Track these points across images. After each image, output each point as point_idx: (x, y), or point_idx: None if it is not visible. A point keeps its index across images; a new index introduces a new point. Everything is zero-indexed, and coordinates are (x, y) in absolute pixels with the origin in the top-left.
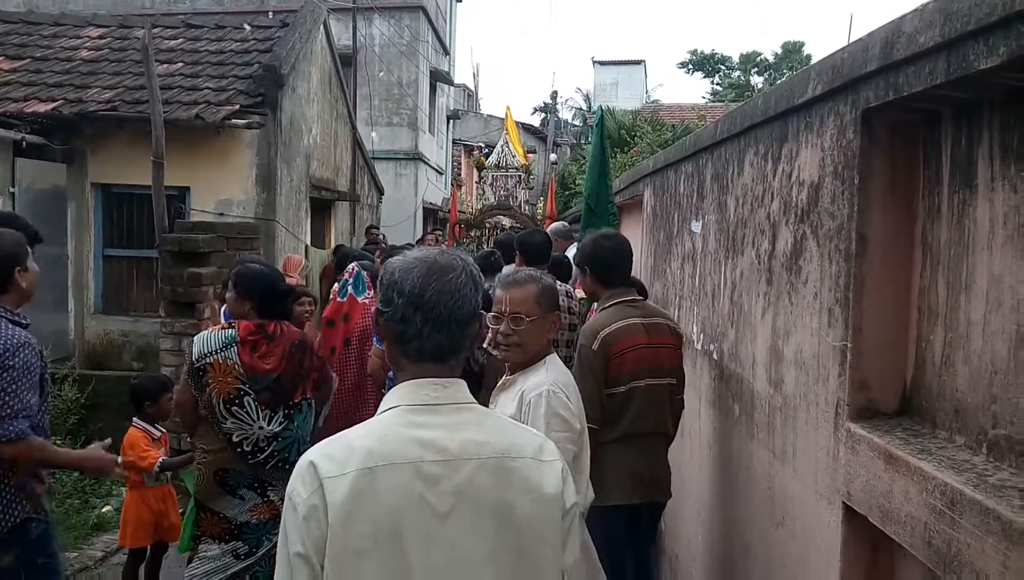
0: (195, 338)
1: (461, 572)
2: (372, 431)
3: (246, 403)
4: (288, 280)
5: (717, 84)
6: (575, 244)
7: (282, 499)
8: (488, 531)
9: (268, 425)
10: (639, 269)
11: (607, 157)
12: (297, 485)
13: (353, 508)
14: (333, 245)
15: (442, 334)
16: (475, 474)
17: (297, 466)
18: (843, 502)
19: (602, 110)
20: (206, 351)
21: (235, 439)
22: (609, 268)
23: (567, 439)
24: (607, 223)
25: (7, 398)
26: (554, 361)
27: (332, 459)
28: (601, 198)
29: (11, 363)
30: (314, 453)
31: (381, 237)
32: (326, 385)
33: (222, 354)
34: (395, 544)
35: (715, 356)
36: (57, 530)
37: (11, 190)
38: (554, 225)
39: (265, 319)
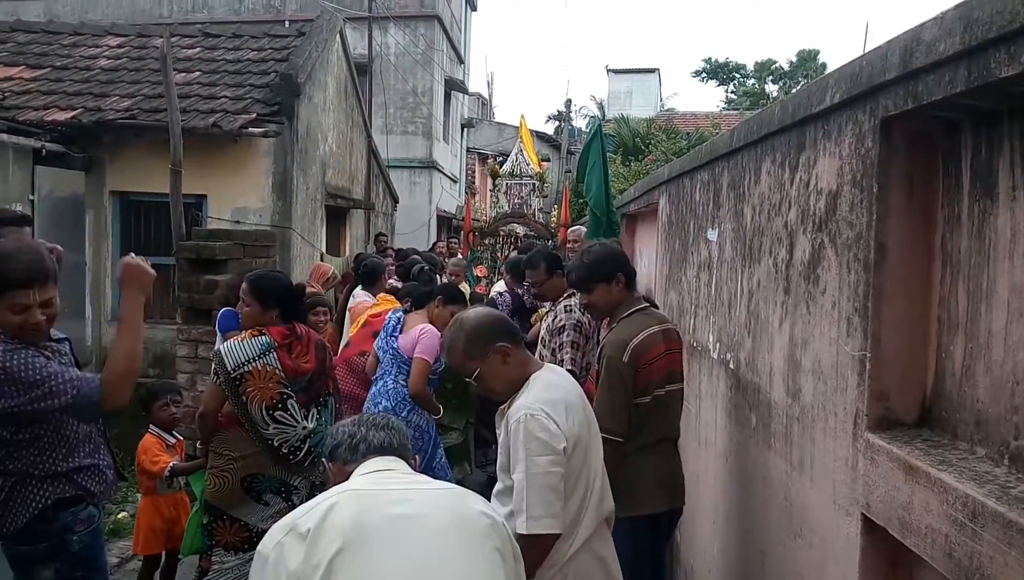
0: (223, 349)
1: (431, 565)
2: (338, 485)
3: (289, 406)
4: (309, 289)
5: (732, 92)
6: None
7: (303, 502)
8: (450, 532)
9: (309, 423)
10: (655, 277)
11: (606, 166)
12: (265, 540)
13: (321, 526)
14: (348, 253)
15: (383, 433)
16: (434, 495)
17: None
18: (862, 513)
19: (598, 122)
20: (243, 360)
21: (276, 444)
22: (633, 275)
23: (549, 462)
24: (613, 232)
25: (36, 375)
26: (539, 379)
27: (303, 508)
28: (605, 206)
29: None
30: (284, 518)
31: (388, 244)
32: (338, 391)
33: (261, 361)
34: (365, 545)
35: (731, 365)
36: None
37: (31, 198)
38: (581, 229)
39: (289, 322)
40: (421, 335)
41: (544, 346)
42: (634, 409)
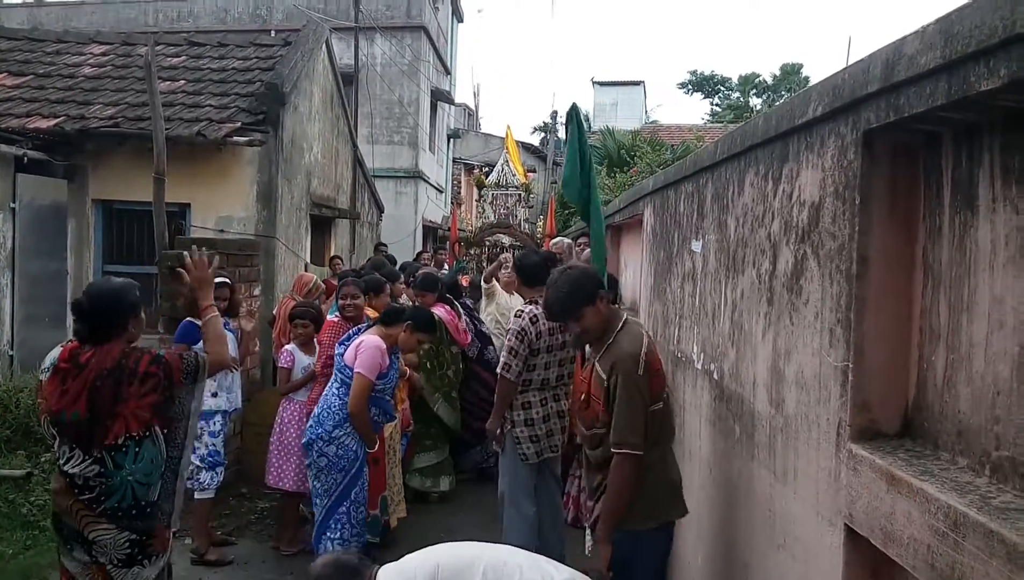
0: None
1: None
2: None
3: (52, 432)
4: (289, 301)
5: (716, 105)
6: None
7: (110, 562)
8: None
9: (76, 466)
10: (640, 288)
11: (587, 158)
12: None
13: None
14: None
15: None
16: None
17: None
18: (845, 523)
19: (574, 106)
20: (42, 367)
21: (67, 469)
22: (613, 285)
23: None
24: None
25: None
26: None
27: None
28: (590, 210)
29: None
30: None
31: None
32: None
33: (45, 374)
34: None
35: (715, 376)
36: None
37: (12, 206)
38: (564, 240)
39: (93, 341)
40: (360, 349)
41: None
42: (651, 418)
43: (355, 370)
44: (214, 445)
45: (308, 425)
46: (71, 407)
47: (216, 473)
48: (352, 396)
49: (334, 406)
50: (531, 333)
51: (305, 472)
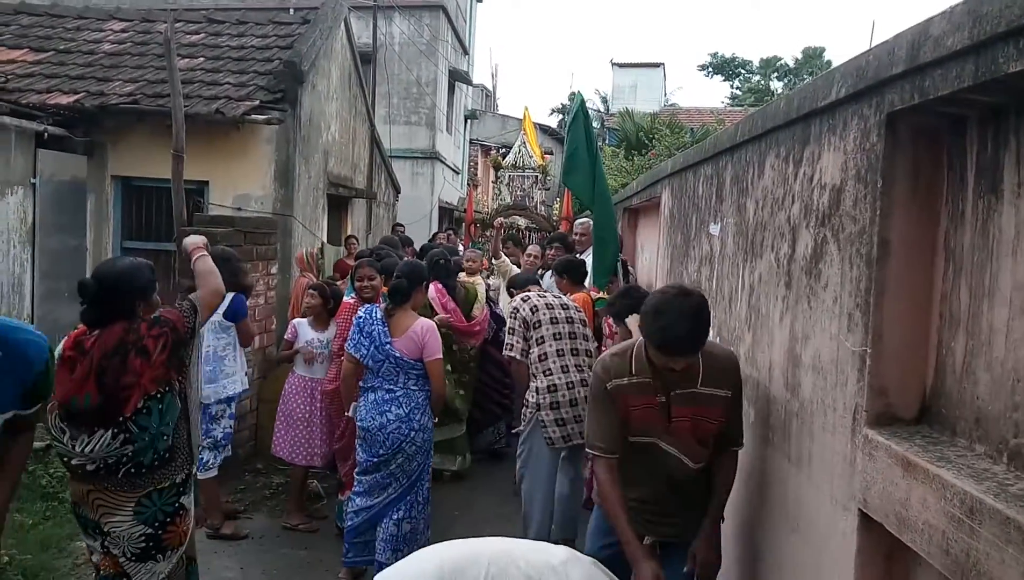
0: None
1: None
2: None
3: (60, 426)
4: (301, 279)
5: (736, 88)
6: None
7: (123, 555)
8: None
9: (95, 445)
10: (656, 271)
11: (594, 149)
12: None
13: None
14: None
15: None
16: None
17: None
18: (859, 509)
19: (580, 96)
20: (55, 355)
21: (74, 463)
22: None
23: None
24: (611, 237)
25: None
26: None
27: None
28: (599, 204)
29: None
30: None
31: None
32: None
33: (55, 365)
34: None
35: None
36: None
37: (32, 181)
38: (589, 221)
39: (98, 323)
40: (426, 337)
41: None
42: None
43: (433, 358)
44: (231, 427)
45: (393, 427)
46: (81, 392)
47: (219, 452)
48: (439, 379)
49: (419, 400)
50: (523, 309)
51: (304, 443)
